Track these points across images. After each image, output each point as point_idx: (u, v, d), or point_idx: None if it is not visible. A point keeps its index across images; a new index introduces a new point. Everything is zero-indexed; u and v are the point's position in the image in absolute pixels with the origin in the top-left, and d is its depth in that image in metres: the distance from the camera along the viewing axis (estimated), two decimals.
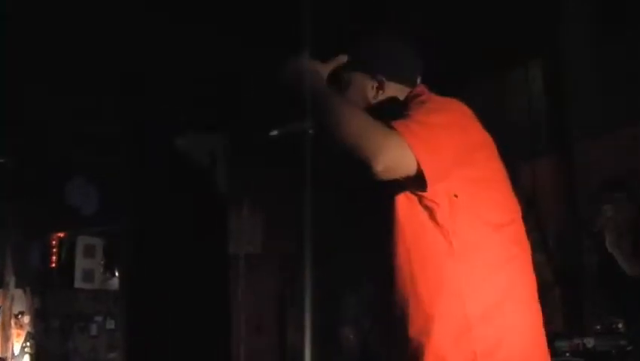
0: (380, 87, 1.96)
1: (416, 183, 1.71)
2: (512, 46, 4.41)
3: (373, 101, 1.96)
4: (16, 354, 7.51)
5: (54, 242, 7.45)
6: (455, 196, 1.73)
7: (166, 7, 4.34)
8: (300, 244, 1.91)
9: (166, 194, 5.43)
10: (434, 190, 1.72)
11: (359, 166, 1.68)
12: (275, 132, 2.03)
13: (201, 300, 5.48)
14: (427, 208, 1.75)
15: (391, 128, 1.69)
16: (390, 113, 1.81)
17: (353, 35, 2.05)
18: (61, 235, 7.45)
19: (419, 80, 2.00)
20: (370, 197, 1.92)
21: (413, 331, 1.74)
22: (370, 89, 1.96)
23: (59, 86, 5.07)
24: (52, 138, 5.85)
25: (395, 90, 1.96)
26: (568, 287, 4.06)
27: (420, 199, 1.75)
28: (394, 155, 1.66)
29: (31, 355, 7.52)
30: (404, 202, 1.77)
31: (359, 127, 1.71)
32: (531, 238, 1.89)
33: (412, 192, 1.75)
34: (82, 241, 7.36)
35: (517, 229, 1.82)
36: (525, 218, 1.90)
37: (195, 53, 4.65)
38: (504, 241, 1.77)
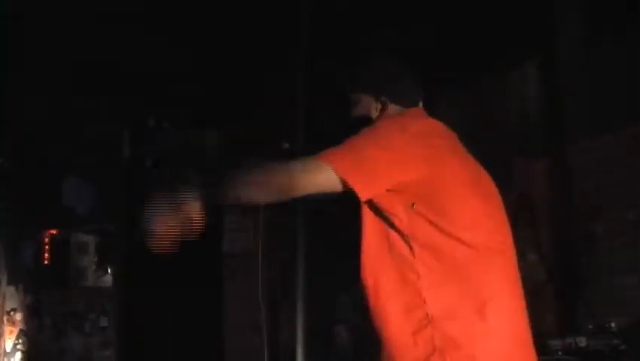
0: (383, 108, 2.12)
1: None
2: (507, 46, 4.43)
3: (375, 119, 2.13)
4: (8, 351, 7.47)
5: (47, 240, 7.41)
6: (413, 205, 1.88)
7: (161, 6, 4.36)
8: (294, 243, 2.06)
9: (159, 191, 5.36)
10: (391, 201, 1.89)
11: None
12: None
13: (194, 298, 5.42)
14: (388, 217, 1.91)
15: (317, 158, 1.86)
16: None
17: (361, 56, 2.23)
18: (54, 232, 7.42)
19: (420, 103, 2.17)
20: (343, 209, 2.03)
21: (381, 326, 1.93)
22: (374, 110, 2.13)
23: (54, 86, 5.08)
24: (46, 137, 5.86)
25: (396, 111, 2.12)
26: (561, 286, 4.06)
27: (380, 209, 1.92)
28: (304, 180, 1.86)
29: (23, 352, 7.49)
30: (369, 212, 1.94)
31: (275, 175, 1.89)
32: (524, 237, 2.03)
33: (373, 204, 1.92)
34: (75, 239, 7.30)
35: (489, 235, 1.93)
36: (520, 218, 1.96)
37: (190, 50, 4.67)
38: (471, 245, 1.88)
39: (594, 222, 3.96)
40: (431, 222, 1.88)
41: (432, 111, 2.25)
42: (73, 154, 6.19)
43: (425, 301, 1.85)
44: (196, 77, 5.11)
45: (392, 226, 1.91)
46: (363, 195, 1.87)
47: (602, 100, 4.11)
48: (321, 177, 1.87)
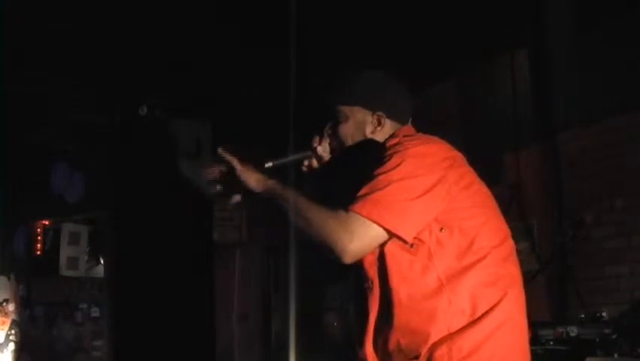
0: (379, 123, 2.07)
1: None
2: (497, 34, 4.38)
3: (370, 135, 2.08)
4: (1, 342, 7.44)
5: (39, 230, 7.36)
6: (441, 230, 1.86)
7: None
8: (285, 232, 1.96)
9: (152, 181, 5.36)
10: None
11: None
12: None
13: (186, 288, 5.45)
14: (412, 246, 1.87)
15: (349, 210, 1.83)
16: (370, 154, 1.99)
17: (355, 70, 2.13)
18: (46, 222, 7.37)
19: (409, 121, 2.13)
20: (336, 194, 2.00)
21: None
22: (370, 125, 2.08)
23: (44, 72, 5.00)
24: (37, 124, 5.78)
25: (390, 127, 2.08)
26: (552, 276, 4.04)
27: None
28: (354, 246, 1.82)
29: (16, 343, 7.45)
30: (392, 246, 1.89)
31: (318, 228, 1.85)
32: (515, 227, 2.02)
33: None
34: (67, 229, 7.24)
35: (506, 249, 1.93)
36: (510, 207, 1.94)
37: (184, 38, 4.57)
38: (490, 264, 1.87)
39: (584, 211, 3.90)
40: (461, 244, 1.87)
41: (420, 106, 2.21)
42: (62, 141, 6.13)
43: (448, 326, 1.84)
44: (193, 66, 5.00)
45: (417, 253, 1.88)
46: (409, 238, 1.86)
47: (591, 89, 4.07)
48: (371, 238, 1.85)
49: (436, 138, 2.02)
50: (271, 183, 2.01)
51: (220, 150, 2.08)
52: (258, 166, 2.09)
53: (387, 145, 2.01)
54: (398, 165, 1.87)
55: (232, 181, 2.05)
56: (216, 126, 5.61)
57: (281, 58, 4.11)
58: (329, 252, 1.84)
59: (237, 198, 2.07)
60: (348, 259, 1.84)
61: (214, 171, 2.08)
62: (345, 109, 2.11)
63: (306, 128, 2.30)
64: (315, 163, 2.18)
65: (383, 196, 1.84)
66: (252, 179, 2.02)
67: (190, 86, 5.20)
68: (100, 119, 5.60)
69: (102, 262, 7.17)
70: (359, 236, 1.83)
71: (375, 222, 1.83)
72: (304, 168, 2.20)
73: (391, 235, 1.85)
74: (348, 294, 5.64)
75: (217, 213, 6.01)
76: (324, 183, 2.21)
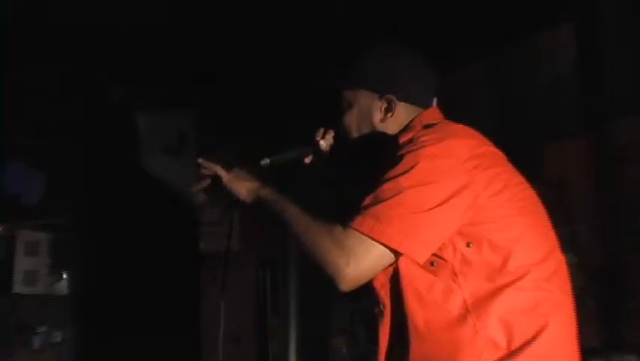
0: (389, 109, 2.07)
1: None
2: (537, 5, 4.36)
3: (380, 125, 2.08)
4: None
5: None
6: (468, 245, 1.86)
7: None
8: (284, 241, 2.12)
9: (126, 180, 5.40)
10: (442, 245, 1.86)
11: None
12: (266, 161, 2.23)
13: (166, 307, 5.49)
14: (432, 264, 1.88)
15: (347, 226, 1.82)
16: (381, 151, 1.98)
17: (359, 45, 2.14)
18: None
19: (434, 103, 2.13)
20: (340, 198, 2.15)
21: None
22: (378, 111, 2.09)
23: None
24: None
25: (406, 113, 2.08)
26: (604, 294, 4.02)
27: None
28: (352, 270, 1.81)
29: None
30: (408, 264, 1.90)
31: (312, 247, 1.86)
32: (559, 235, 2.02)
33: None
34: (23, 237, 7.14)
35: (550, 266, 1.93)
36: (552, 211, 2.03)
37: (157, 9, 4.58)
38: (529, 286, 1.87)
39: None
40: (492, 262, 1.87)
41: (445, 94, 2.18)
42: (18, 134, 6.09)
43: (481, 354, 1.84)
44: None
45: (440, 274, 1.89)
46: (421, 258, 1.85)
47: None
48: (373, 261, 1.84)
49: (463, 130, 1.99)
50: (264, 192, 2.04)
51: (200, 160, 2.15)
52: (253, 164, 2.15)
53: (400, 141, 2.00)
54: (410, 169, 1.85)
55: (219, 192, 2.12)
56: (201, 116, 5.64)
57: (279, 35, 4.36)
58: (326, 276, 1.84)
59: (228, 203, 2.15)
60: (345, 285, 1.83)
61: (200, 182, 2.16)
62: (349, 94, 2.13)
63: (308, 117, 2.34)
64: (317, 157, 2.23)
65: (388, 209, 1.82)
66: (242, 188, 2.07)
67: (168, 69, 5.21)
68: (63, 108, 5.63)
69: (65, 276, 7.04)
70: (358, 258, 1.82)
71: (377, 240, 1.82)
72: (307, 161, 2.24)
73: (399, 255, 1.84)
74: (361, 315, 5.84)
75: (203, 217, 6.04)
76: (340, 187, 2.27)
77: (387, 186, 1.85)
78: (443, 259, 1.87)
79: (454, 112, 2.18)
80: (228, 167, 2.15)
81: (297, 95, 4.84)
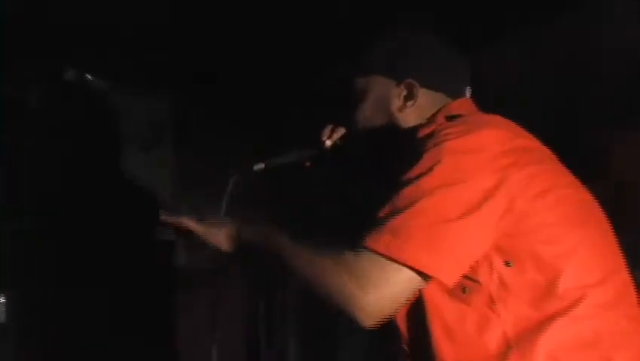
0: (410, 96, 2.12)
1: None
2: None
3: (398, 114, 2.13)
4: None
5: None
6: (507, 264, 1.85)
7: None
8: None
9: (83, 179, 5.33)
10: (475, 265, 1.87)
11: None
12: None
13: (132, 337, 5.36)
14: (464, 290, 1.89)
15: (359, 246, 1.83)
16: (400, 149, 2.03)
17: (373, 26, 2.27)
18: None
19: (467, 93, 2.17)
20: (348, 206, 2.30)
21: None
22: (396, 99, 2.13)
23: None
24: None
25: (430, 101, 2.12)
26: None
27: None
28: (373, 300, 1.80)
29: None
30: (433, 290, 1.92)
31: (320, 283, 1.88)
32: (628, 245, 2.04)
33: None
34: None
35: (612, 289, 1.91)
36: (619, 217, 2.06)
37: None
38: (585, 314, 1.85)
39: None
40: (540, 284, 1.86)
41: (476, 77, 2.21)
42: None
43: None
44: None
45: (472, 300, 1.89)
46: (451, 280, 1.85)
47: None
48: (398, 288, 1.82)
49: (495, 119, 1.99)
50: (248, 233, 2.09)
51: (162, 219, 2.20)
52: (245, 170, 2.25)
53: (418, 136, 2.02)
54: (431, 169, 1.85)
55: (195, 243, 2.20)
56: (179, 106, 5.66)
57: (277, 31, 4.57)
58: (345, 314, 1.85)
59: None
60: (368, 319, 1.83)
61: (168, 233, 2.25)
62: (361, 82, 2.17)
63: (312, 112, 2.48)
64: (322, 159, 2.30)
65: (408, 220, 1.82)
66: (220, 238, 2.12)
67: (140, 49, 5.22)
68: (8, 93, 5.54)
69: (1, 300, 6.77)
70: (378, 284, 1.81)
71: (399, 261, 1.81)
72: (307, 165, 2.31)
73: (427, 278, 1.83)
74: (376, 352, 5.73)
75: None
76: (346, 193, 2.48)
77: (404, 193, 1.86)
78: (476, 282, 1.87)
79: (487, 96, 2.21)
80: (197, 214, 2.22)
81: (298, 88, 5.04)
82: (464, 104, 2.14)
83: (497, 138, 1.88)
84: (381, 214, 1.85)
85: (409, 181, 1.86)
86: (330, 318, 5.63)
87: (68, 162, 5.41)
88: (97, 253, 5.30)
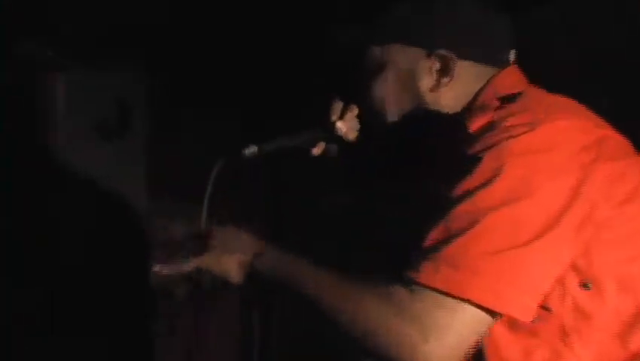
0: (445, 71, 1.95)
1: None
2: None
3: (430, 95, 1.97)
4: None
5: None
6: (584, 286, 1.74)
7: None
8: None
9: (38, 172, 5.09)
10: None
11: None
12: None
13: (118, 351, 5.32)
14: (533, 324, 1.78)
15: (408, 281, 1.71)
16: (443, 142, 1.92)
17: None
18: None
19: (511, 56, 2.01)
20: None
21: None
22: (427, 74, 1.96)
23: None
24: None
25: (471, 76, 1.95)
26: None
27: None
28: (434, 349, 1.67)
29: None
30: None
31: (360, 327, 1.75)
32: None
33: None
34: None
35: None
36: None
37: None
38: None
39: None
40: (615, 310, 1.74)
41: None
42: None
43: None
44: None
45: (541, 331, 1.78)
46: (528, 316, 1.71)
47: None
48: (463, 331, 1.69)
49: (565, 103, 1.88)
50: (262, 261, 1.99)
51: (158, 272, 2.13)
52: (232, 154, 2.15)
53: (470, 128, 1.87)
54: (491, 180, 1.72)
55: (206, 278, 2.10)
56: (155, 83, 5.31)
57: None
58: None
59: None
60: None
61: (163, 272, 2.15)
62: (378, 52, 2.01)
63: (318, 89, 2.37)
64: (334, 147, 2.13)
65: (469, 247, 1.69)
66: (230, 267, 2.03)
67: (107, 14, 5.07)
68: None
69: None
70: (440, 329, 1.70)
71: (463, 298, 1.68)
72: (315, 153, 2.14)
73: (497, 315, 1.72)
74: None
75: (160, 234, 5.75)
76: (370, 197, 2.33)
77: (460, 210, 1.73)
78: (546, 309, 1.75)
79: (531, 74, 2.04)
80: (197, 237, 2.17)
81: (296, 54, 4.84)
82: (514, 75, 1.98)
83: (575, 131, 1.75)
84: (430, 239, 1.73)
85: (465, 195, 1.73)
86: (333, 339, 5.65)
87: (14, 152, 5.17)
88: (72, 253, 5.14)
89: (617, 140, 1.84)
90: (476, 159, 1.74)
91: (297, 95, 4.77)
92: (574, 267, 1.73)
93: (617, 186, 1.74)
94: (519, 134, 1.73)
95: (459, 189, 1.74)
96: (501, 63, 2.00)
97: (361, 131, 2.12)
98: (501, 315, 1.71)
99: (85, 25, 5.03)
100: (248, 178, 5.19)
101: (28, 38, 4.93)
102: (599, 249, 1.73)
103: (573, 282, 1.73)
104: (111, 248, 5.30)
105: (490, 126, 1.81)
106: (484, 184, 1.70)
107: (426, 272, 1.69)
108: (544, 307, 1.75)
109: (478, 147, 1.77)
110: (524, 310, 1.69)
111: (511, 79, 1.98)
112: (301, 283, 1.88)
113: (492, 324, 1.72)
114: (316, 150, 2.15)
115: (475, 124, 1.87)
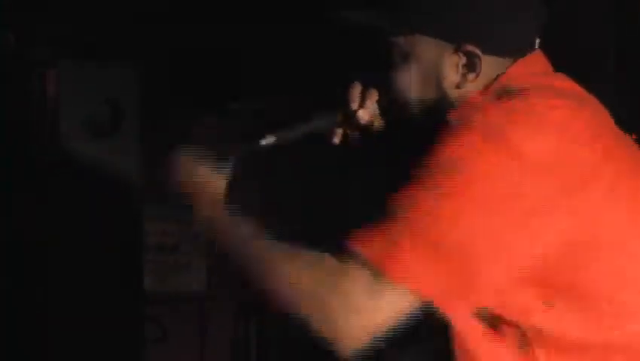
0: (471, 66, 1.92)
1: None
2: None
3: (454, 92, 1.95)
4: None
5: None
6: (547, 304, 1.78)
7: None
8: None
9: (25, 174, 5.08)
10: (502, 302, 1.80)
11: None
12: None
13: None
14: (496, 329, 1.83)
15: (344, 249, 1.75)
16: None
17: None
18: None
19: (536, 43, 2.00)
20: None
21: None
22: (453, 70, 1.93)
23: None
24: None
25: (493, 69, 1.93)
26: None
27: (481, 316, 1.84)
28: (358, 325, 1.73)
29: None
30: (462, 320, 1.84)
31: (289, 294, 1.79)
32: None
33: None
34: None
35: None
36: None
37: None
38: None
39: None
40: (579, 322, 1.77)
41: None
42: None
43: None
44: None
45: (507, 344, 1.79)
46: (449, 302, 1.76)
47: None
48: (386, 311, 1.71)
49: (572, 88, 1.88)
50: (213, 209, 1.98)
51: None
52: (247, 145, 2.11)
53: (447, 117, 1.89)
54: (450, 167, 1.75)
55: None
56: (147, 83, 5.31)
57: None
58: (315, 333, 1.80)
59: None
60: (346, 342, 1.73)
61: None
62: (402, 42, 1.97)
63: (336, 77, 2.29)
64: (353, 135, 2.12)
65: (409, 226, 1.73)
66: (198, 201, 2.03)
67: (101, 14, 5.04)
68: None
69: None
70: (364, 312, 1.73)
71: (393, 280, 1.71)
72: (336, 141, 2.15)
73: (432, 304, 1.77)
74: None
75: (152, 237, 5.71)
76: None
77: (411, 190, 1.77)
78: (507, 322, 1.80)
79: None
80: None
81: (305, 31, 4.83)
82: (538, 57, 1.96)
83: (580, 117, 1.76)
84: (381, 214, 1.77)
85: (419, 179, 1.76)
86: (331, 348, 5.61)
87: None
88: (58, 262, 5.10)
89: (619, 146, 1.84)
90: (441, 142, 1.77)
91: (297, 94, 4.72)
92: (536, 283, 1.76)
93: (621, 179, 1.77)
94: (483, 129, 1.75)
95: (417, 172, 1.76)
96: (523, 50, 1.95)
97: (384, 119, 2.08)
98: (429, 302, 1.72)
99: (79, 25, 5.03)
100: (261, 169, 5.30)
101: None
102: (563, 267, 1.75)
103: (536, 300, 1.76)
104: (104, 248, 5.26)
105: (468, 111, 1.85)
106: (440, 169, 1.74)
107: (362, 241, 1.72)
108: (505, 321, 1.78)
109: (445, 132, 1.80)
110: (445, 299, 1.73)
111: (534, 62, 1.96)
112: (240, 240, 1.88)
113: (415, 307, 1.73)
114: (337, 139, 2.13)
115: (453, 113, 1.90)
